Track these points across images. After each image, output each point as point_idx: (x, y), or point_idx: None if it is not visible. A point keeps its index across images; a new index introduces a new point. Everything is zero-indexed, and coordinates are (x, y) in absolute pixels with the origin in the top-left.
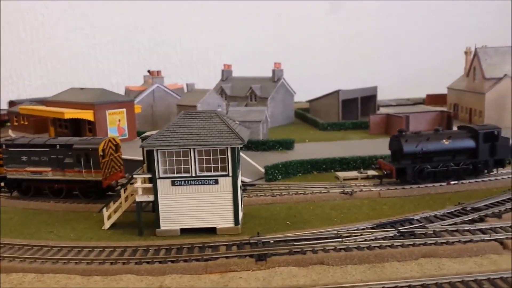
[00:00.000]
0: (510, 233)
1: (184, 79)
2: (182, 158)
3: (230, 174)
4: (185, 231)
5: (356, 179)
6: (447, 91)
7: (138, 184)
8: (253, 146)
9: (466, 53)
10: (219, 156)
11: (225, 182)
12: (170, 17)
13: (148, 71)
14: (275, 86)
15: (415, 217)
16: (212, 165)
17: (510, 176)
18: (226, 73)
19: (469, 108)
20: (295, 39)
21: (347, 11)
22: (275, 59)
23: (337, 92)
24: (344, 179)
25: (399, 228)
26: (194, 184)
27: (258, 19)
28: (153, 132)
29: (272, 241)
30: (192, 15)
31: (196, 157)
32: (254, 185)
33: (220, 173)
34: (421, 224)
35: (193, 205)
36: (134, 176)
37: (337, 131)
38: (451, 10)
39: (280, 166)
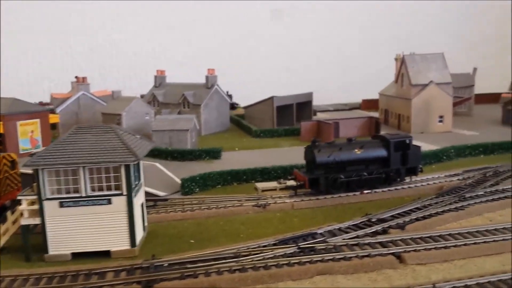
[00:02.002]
0: (408, 246)
1: (121, 85)
2: (71, 177)
3: (125, 193)
4: (77, 255)
5: (275, 189)
6: (378, 97)
7: (23, 206)
8: (179, 155)
9: (396, 59)
10: (112, 174)
11: (119, 202)
12: (106, 22)
13: (76, 77)
14: (208, 92)
15: (319, 231)
16: (104, 184)
17: (423, 184)
18: (159, 79)
19: (398, 114)
20: (237, 46)
21: (289, 18)
22: (215, 66)
23: (271, 99)
24: (263, 190)
25: (299, 244)
26: (85, 205)
27: (198, 25)
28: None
29: (166, 264)
30: (129, 20)
31: (87, 176)
32: (167, 199)
33: (113, 192)
34: (322, 239)
35: (85, 227)
36: (18, 197)
37: (270, 138)
38: (393, 16)
39: (198, 178)
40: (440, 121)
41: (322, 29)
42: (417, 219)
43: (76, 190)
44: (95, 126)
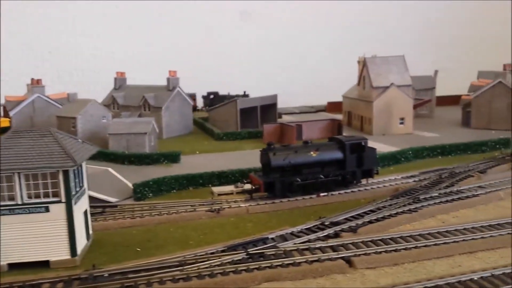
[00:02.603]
0: (359, 250)
1: (83, 89)
2: (6, 184)
3: (64, 200)
4: (15, 266)
5: (232, 194)
6: (342, 99)
7: None
8: (136, 160)
9: (358, 62)
10: (49, 180)
11: (58, 209)
12: (67, 24)
13: (32, 79)
14: (170, 95)
15: (271, 236)
16: (42, 191)
17: (379, 186)
18: (119, 81)
19: (361, 116)
20: (203, 47)
21: (256, 20)
22: (181, 68)
23: (235, 101)
24: (219, 195)
25: (248, 250)
26: (22, 213)
27: (164, 26)
28: None
29: (106, 275)
30: (91, 22)
31: (23, 182)
32: (116, 206)
33: (51, 199)
34: (272, 244)
35: (22, 236)
36: None
37: (233, 141)
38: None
39: (151, 183)
40: (401, 123)
41: (289, 31)
42: (370, 222)
43: (12, 198)
44: (32, 130)
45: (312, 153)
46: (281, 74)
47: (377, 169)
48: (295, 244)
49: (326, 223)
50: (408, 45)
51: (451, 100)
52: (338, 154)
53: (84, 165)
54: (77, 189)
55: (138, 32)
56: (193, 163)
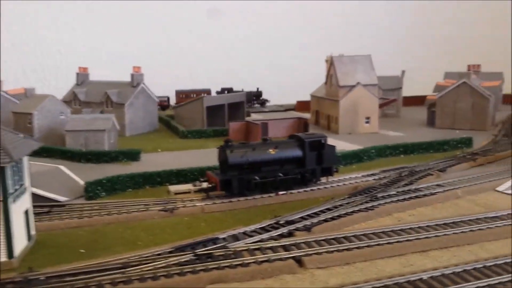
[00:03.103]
0: (311, 249)
1: (46, 84)
2: None
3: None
4: None
5: (189, 192)
6: (310, 98)
7: None
8: (94, 158)
9: (326, 61)
10: None
11: None
12: (31, 18)
13: None
14: (134, 91)
15: (222, 236)
16: None
17: (339, 184)
18: (82, 77)
19: (328, 115)
20: (172, 45)
21: (225, 18)
22: (149, 65)
23: (201, 98)
24: (176, 194)
25: (196, 251)
26: None
27: (132, 23)
28: None
29: (43, 278)
30: (55, 16)
31: None
32: (64, 205)
33: None
34: (222, 244)
35: None
36: None
37: (198, 139)
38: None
39: (105, 181)
40: (367, 122)
41: (261, 29)
42: (325, 221)
43: None
44: None
45: (270, 150)
46: (251, 72)
47: (337, 167)
48: (246, 244)
49: (281, 222)
50: (376, 45)
51: (418, 100)
52: (297, 152)
53: (26, 161)
54: (16, 187)
55: (107, 28)
56: (154, 161)
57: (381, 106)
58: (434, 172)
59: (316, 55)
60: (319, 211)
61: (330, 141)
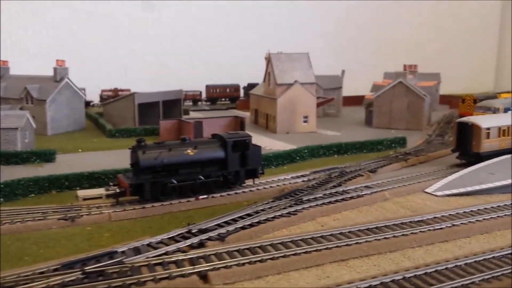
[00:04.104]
0: (220, 262)
1: None
2: None
3: None
4: None
5: (101, 198)
6: (250, 97)
7: None
8: (3, 159)
9: (266, 58)
10: None
11: None
12: None
13: None
14: (57, 86)
15: (122, 249)
16: None
17: (266, 186)
18: (1, 71)
19: (266, 114)
20: (104, 39)
21: (161, 12)
22: (81, 60)
23: (132, 95)
24: (84, 199)
25: (85, 268)
26: None
27: (63, 16)
28: None
29: None
30: None
31: None
32: None
33: None
34: (118, 260)
35: None
36: None
37: (127, 138)
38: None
39: (3, 186)
40: (305, 121)
41: (200, 25)
42: (243, 228)
43: None
44: None
45: (189, 151)
46: (193, 70)
47: (262, 169)
48: (147, 258)
49: (193, 231)
50: (318, 44)
51: (358, 100)
52: (219, 153)
53: None
54: None
55: (36, 20)
56: (71, 162)
57: (319, 105)
58: (365, 173)
59: (260, 53)
60: (238, 217)
61: (268, 140)
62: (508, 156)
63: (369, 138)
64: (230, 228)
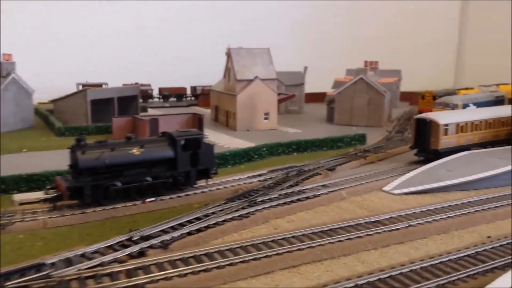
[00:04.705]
0: (159, 274)
1: None
2: None
3: None
4: None
5: (39, 202)
6: (210, 93)
7: None
8: None
9: (226, 54)
10: None
11: None
12: None
13: None
14: (3, 82)
15: (51, 260)
16: None
17: (219, 187)
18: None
19: (226, 111)
20: (60, 29)
21: (126, 6)
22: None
23: (84, 91)
24: (21, 204)
25: (6, 284)
26: None
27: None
28: None
29: None
30: None
31: None
32: None
33: None
34: (45, 273)
35: None
36: None
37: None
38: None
39: None
40: (266, 118)
41: (164, 21)
42: (189, 234)
43: None
44: None
45: (134, 151)
46: (153, 65)
47: (215, 168)
48: (79, 270)
49: (135, 238)
50: (282, 40)
51: (322, 97)
52: (168, 152)
53: None
54: None
55: None
56: (12, 163)
57: (280, 101)
58: (323, 171)
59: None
60: (186, 221)
61: (227, 138)
62: (466, 152)
63: (330, 135)
64: (176, 234)
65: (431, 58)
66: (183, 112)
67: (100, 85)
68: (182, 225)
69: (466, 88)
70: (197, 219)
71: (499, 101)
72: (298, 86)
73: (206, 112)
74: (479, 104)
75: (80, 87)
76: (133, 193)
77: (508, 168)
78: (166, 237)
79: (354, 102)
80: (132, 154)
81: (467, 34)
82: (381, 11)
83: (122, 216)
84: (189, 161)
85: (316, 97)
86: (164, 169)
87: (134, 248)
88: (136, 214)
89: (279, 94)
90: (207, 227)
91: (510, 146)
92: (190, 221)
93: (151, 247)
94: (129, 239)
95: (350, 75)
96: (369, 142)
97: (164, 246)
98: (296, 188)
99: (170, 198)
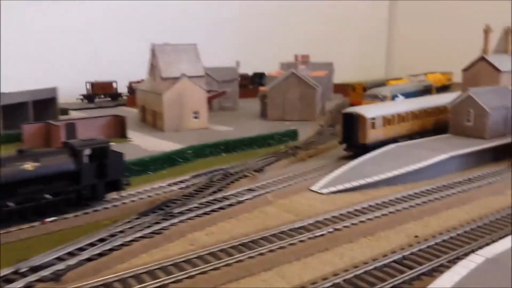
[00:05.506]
0: None
1: None
2: None
3: None
4: None
5: None
6: (136, 92)
7: None
8: None
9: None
10: None
11: None
12: None
13: None
14: None
15: None
16: None
17: (133, 199)
18: None
19: (153, 111)
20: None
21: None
22: None
23: None
24: None
25: None
26: None
27: None
28: None
29: None
30: None
31: None
32: None
33: None
34: None
35: None
36: None
37: None
38: None
39: None
40: (196, 117)
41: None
42: (89, 259)
43: None
44: None
45: (28, 165)
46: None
47: (127, 179)
48: None
49: (22, 270)
50: (214, 35)
51: (256, 92)
52: (69, 165)
53: None
54: None
55: None
56: None
57: (210, 99)
58: (250, 173)
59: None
60: (87, 244)
61: (152, 140)
62: (393, 145)
63: (263, 132)
64: (72, 261)
65: (363, 50)
66: (103, 114)
67: (110, 83)
68: (82, 249)
69: (396, 79)
70: (101, 240)
71: (427, 90)
72: (232, 82)
73: (133, 112)
74: (407, 95)
75: (89, 86)
76: (30, 213)
77: (434, 159)
78: (61, 266)
79: (287, 97)
80: (26, 169)
81: (396, 23)
82: (313, 5)
83: (17, 241)
84: (95, 173)
85: (251, 92)
86: (66, 183)
87: (18, 284)
88: (34, 237)
89: (209, 91)
90: (111, 249)
91: (436, 136)
92: (92, 244)
93: (40, 280)
94: (16, 272)
95: (283, 69)
96: (301, 137)
97: (56, 278)
98: (219, 195)
99: (75, 216)
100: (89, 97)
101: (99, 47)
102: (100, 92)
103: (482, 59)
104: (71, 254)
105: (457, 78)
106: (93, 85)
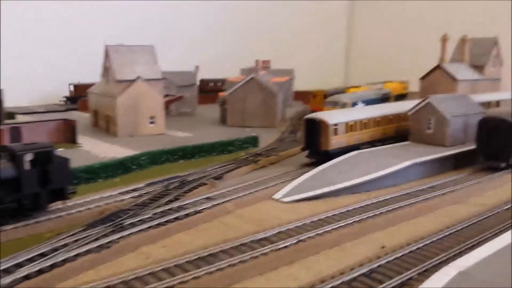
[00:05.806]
0: None
1: None
2: None
3: None
4: None
5: None
6: (88, 96)
7: None
8: None
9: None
10: None
11: None
12: None
13: None
14: None
15: None
16: None
17: (81, 209)
18: None
19: (106, 115)
20: None
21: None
22: None
23: None
24: None
25: None
26: None
27: None
28: None
29: None
30: None
31: None
32: None
33: None
34: None
35: None
36: None
37: None
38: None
39: None
40: (152, 122)
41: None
42: (27, 277)
43: None
44: None
45: None
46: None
47: (74, 187)
48: None
49: None
50: (171, 38)
51: (216, 97)
52: (7, 171)
53: None
54: None
55: None
56: None
57: (167, 103)
58: (209, 181)
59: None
60: (26, 260)
61: (105, 146)
62: (356, 152)
63: (222, 138)
64: (7, 280)
65: (322, 58)
66: (52, 118)
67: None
68: (19, 265)
69: (355, 87)
70: (42, 255)
71: (386, 98)
72: (190, 87)
73: (86, 116)
74: (367, 102)
75: (72, 88)
76: None
77: (398, 167)
78: None
79: (247, 103)
80: None
81: (355, 33)
82: (273, 10)
83: None
84: (37, 181)
85: (211, 98)
86: (5, 192)
87: None
88: None
89: (166, 95)
90: (52, 266)
91: (397, 144)
92: (31, 259)
93: None
94: None
95: (244, 75)
96: (262, 144)
97: None
98: (176, 204)
99: (14, 227)
100: (72, 99)
101: (87, 50)
102: (84, 94)
103: (439, 67)
104: (6, 272)
105: (413, 87)
106: (76, 87)
